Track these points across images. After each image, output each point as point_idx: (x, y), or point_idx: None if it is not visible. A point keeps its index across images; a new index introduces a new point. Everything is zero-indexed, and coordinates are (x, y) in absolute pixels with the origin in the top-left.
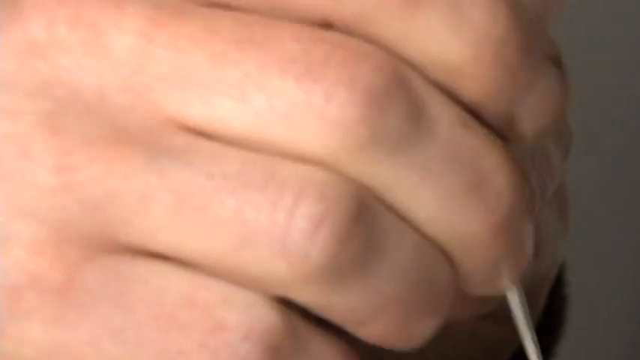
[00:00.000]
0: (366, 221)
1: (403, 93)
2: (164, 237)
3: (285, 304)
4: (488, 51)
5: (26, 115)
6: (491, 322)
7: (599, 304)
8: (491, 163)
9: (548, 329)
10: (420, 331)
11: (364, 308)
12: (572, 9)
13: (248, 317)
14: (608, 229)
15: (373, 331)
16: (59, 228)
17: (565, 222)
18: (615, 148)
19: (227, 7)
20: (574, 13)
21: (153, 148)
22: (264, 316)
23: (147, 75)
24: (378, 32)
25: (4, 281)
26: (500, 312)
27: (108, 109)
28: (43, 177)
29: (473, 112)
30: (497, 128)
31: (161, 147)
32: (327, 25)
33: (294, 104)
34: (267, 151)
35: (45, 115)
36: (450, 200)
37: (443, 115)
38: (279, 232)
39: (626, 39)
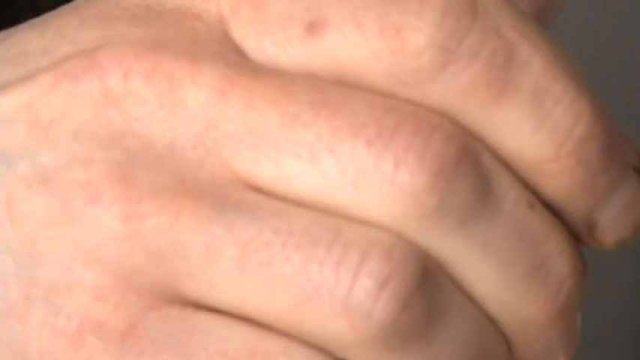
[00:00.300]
0: (429, 287)
1: (472, 166)
2: (227, 291)
3: None
4: (569, 150)
5: (97, 164)
6: None
7: (598, 305)
8: (554, 246)
9: None
10: None
11: None
12: (573, 9)
13: None
14: None
15: None
16: (124, 275)
17: None
18: None
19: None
20: (574, 13)
21: (221, 202)
22: None
23: (219, 132)
24: (461, 119)
25: (66, 326)
26: None
27: (178, 162)
28: (111, 224)
29: (553, 211)
30: (576, 231)
31: (229, 202)
32: None
33: (364, 169)
34: (334, 212)
35: (116, 164)
36: (511, 279)
37: (509, 192)
38: (343, 290)
39: (626, 39)
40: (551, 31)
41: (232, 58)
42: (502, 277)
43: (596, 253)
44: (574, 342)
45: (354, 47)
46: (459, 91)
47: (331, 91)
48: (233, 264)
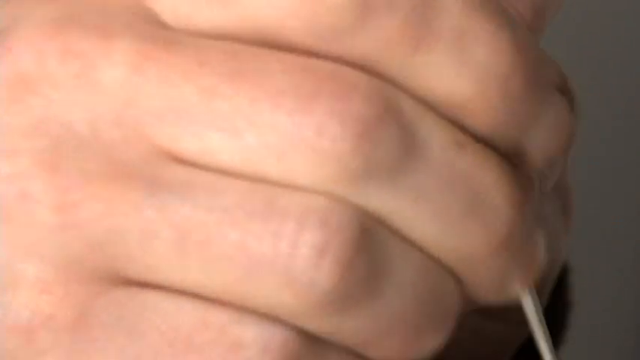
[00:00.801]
0: (369, 246)
1: (394, 121)
2: (168, 272)
3: None
4: (493, 87)
5: (23, 154)
6: (495, 321)
7: (598, 306)
8: (488, 180)
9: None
10: (428, 345)
11: (373, 331)
12: (572, 9)
13: (264, 332)
14: (608, 229)
15: (383, 351)
16: (65, 266)
17: (568, 216)
18: (615, 148)
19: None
20: (574, 13)
21: (152, 183)
22: (280, 331)
23: (138, 108)
24: (384, 71)
25: (16, 322)
26: (504, 310)
27: (102, 144)
28: (45, 216)
29: (485, 144)
30: (508, 158)
31: (160, 181)
32: None
33: (286, 139)
34: (265, 182)
35: (41, 153)
36: (448, 222)
37: (435, 137)
38: (284, 262)
39: (626, 39)
40: (549, 31)
41: (145, 29)
42: (439, 223)
43: (595, 253)
44: (533, 263)
45: (271, 5)
46: (380, 44)
47: (248, 56)
48: (171, 246)
